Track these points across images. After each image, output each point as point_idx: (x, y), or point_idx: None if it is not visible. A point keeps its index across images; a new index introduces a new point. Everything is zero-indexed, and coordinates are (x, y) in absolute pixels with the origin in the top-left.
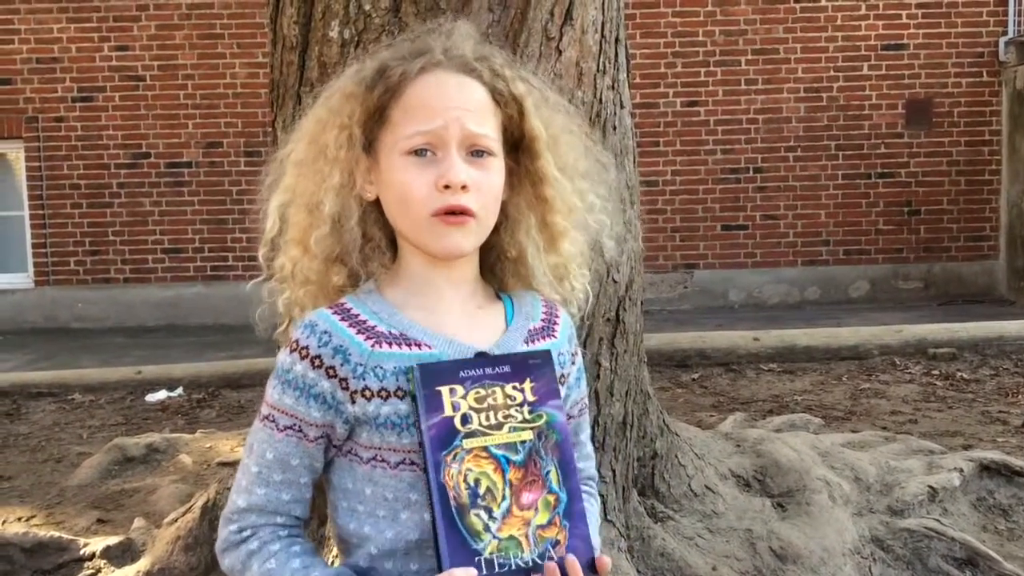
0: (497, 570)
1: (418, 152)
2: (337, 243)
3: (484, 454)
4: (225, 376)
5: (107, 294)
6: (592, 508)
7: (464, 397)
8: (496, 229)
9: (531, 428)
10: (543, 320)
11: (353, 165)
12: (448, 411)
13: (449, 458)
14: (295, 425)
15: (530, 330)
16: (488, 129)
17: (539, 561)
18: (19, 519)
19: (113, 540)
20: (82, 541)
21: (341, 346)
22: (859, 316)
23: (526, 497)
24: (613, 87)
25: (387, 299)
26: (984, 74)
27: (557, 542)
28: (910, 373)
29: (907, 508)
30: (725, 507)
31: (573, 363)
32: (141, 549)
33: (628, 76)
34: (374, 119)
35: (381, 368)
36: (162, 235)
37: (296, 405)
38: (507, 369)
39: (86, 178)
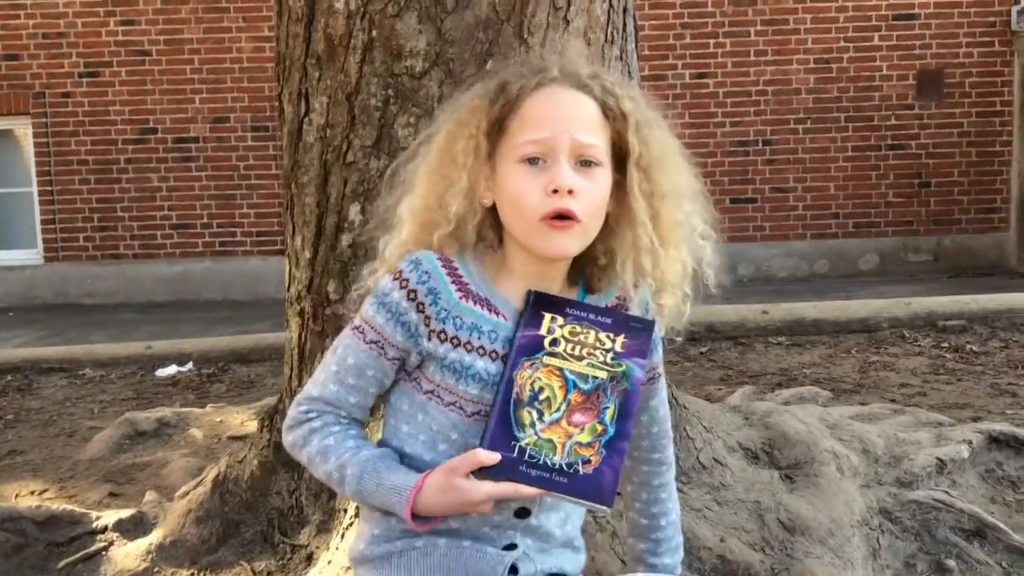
0: (526, 458)
1: (531, 160)
2: (455, 243)
3: (557, 372)
4: (235, 351)
5: (116, 270)
6: (673, 509)
7: (562, 327)
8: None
9: (607, 371)
10: (616, 301)
11: (478, 172)
12: (543, 331)
13: (527, 363)
14: (379, 342)
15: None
16: (596, 140)
17: (566, 468)
18: (32, 493)
19: (125, 513)
20: (94, 514)
21: (435, 288)
22: (869, 289)
23: (578, 417)
24: (621, 57)
25: (485, 267)
26: (996, 44)
27: (588, 461)
28: (919, 346)
29: (915, 480)
30: (733, 479)
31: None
32: (153, 522)
33: (636, 46)
34: (495, 130)
35: (460, 319)
36: (170, 211)
37: (385, 325)
38: (608, 321)
39: (94, 154)
